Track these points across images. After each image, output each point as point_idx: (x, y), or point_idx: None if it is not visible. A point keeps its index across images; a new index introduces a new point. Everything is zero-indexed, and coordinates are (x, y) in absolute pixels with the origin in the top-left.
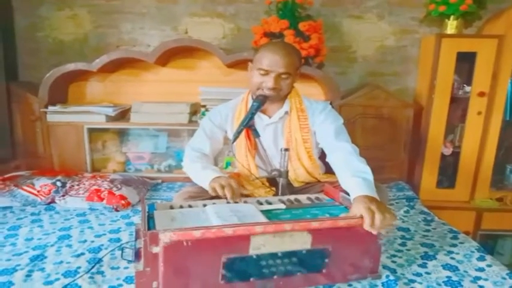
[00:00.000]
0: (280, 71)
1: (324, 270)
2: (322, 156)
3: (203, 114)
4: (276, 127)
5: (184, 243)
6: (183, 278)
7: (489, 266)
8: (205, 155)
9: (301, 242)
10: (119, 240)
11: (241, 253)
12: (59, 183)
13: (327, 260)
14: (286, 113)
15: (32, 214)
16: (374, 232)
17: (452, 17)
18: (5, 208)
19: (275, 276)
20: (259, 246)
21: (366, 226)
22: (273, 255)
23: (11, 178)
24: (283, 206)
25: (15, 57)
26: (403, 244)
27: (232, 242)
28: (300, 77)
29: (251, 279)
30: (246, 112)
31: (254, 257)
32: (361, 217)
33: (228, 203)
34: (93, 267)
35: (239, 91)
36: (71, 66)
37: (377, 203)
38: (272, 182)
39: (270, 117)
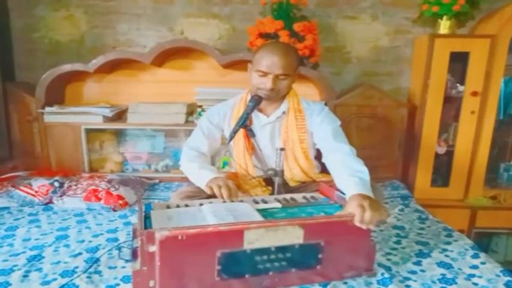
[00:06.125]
0: (278, 73)
1: (318, 267)
2: (318, 156)
3: (199, 114)
4: (274, 126)
5: (179, 237)
6: (179, 276)
7: (483, 263)
8: (202, 154)
9: (294, 236)
10: (116, 239)
11: (236, 248)
12: (56, 184)
13: (320, 256)
14: (284, 113)
15: (30, 214)
16: (364, 227)
17: (445, 17)
18: (2, 209)
19: (270, 273)
20: (253, 240)
21: (356, 222)
22: (267, 250)
23: (8, 179)
24: (279, 205)
25: (12, 57)
26: (398, 242)
27: (227, 237)
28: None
29: (246, 275)
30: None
31: (248, 251)
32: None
33: (224, 202)
34: (90, 266)
35: (235, 91)
36: (68, 67)
37: (370, 200)
38: (268, 181)
39: (267, 116)
